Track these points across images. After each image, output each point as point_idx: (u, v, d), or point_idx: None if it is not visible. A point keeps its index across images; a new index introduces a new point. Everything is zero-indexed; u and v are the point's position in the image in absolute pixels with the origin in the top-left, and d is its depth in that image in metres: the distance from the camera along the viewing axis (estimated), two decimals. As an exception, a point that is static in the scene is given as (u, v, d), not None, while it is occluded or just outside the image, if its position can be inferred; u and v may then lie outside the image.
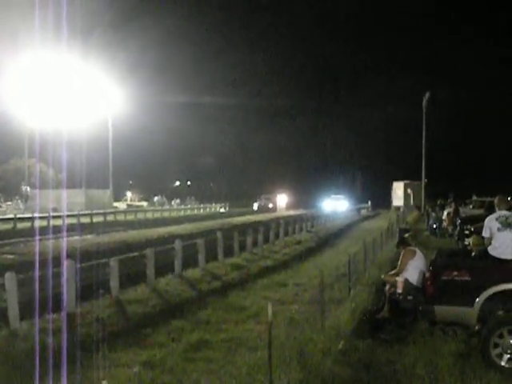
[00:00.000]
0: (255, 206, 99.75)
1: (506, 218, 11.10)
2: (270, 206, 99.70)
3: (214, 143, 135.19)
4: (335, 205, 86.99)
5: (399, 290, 13.33)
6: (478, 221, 12.72)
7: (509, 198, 13.37)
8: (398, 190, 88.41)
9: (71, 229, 38.69)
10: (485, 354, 10.03)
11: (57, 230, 35.40)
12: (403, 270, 13.55)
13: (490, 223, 11.21)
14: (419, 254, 13.87)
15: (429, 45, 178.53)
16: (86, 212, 59.01)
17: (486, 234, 11.32)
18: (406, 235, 15.96)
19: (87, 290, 15.16)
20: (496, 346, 9.99)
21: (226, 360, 10.55)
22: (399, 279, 13.41)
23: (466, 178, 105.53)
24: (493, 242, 11.08)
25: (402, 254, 14.20)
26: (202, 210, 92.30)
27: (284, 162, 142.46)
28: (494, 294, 10.37)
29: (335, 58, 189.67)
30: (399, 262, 14.05)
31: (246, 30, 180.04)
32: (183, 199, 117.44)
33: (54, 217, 48.22)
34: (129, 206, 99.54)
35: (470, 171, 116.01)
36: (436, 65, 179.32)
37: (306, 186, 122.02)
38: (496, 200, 11.79)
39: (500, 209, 11.47)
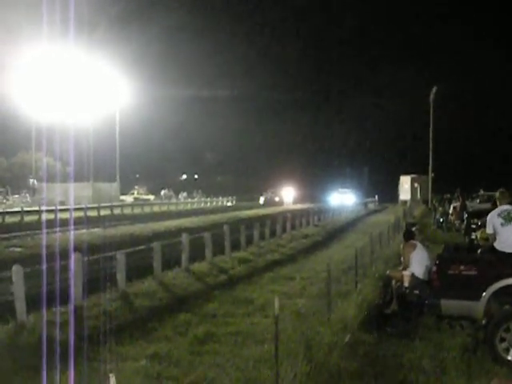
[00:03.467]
0: (261, 200, 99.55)
1: (508, 213, 11.08)
2: (277, 199, 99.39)
3: (222, 136, 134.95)
4: (342, 198, 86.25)
5: (406, 284, 13.36)
6: (485, 215, 12.66)
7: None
8: (405, 184, 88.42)
9: (78, 222, 38.73)
10: (491, 348, 10.03)
11: (64, 223, 35.46)
12: (408, 264, 13.58)
13: (493, 219, 11.19)
14: (420, 247, 13.94)
15: (437, 38, 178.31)
16: (93, 205, 59.03)
17: (489, 230, 11.31)
18: (413, 228, 15.95)
19: (94, 283, 15.19)
20: (502, 340, 10.00)
21: (233, 353, 10.56)
22: (406, 273, 13.44)
23: (473, 172, 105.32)
24: (498, 237, 11.07)
25: (402, 248, 14.28)
26: (208, 204, 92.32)
27: (291, 155, 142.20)
28: (501, 289, 10.37)
29: (342, 52, 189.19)
30: (402, 258, 14.12)
31: (251, 24, 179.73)
32: (190, 193, 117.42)
33: (61, 210, 48.30)
34: (136, 199, 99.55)
35: (478, 165, 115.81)
36: (444, 58, 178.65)
37: (314, 180, 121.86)
38: (497, 194, 11.77)
39: (501, 203, 11.45)
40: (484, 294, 10.41)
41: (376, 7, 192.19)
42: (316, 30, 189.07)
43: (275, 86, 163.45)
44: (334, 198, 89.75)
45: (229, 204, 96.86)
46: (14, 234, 33.27)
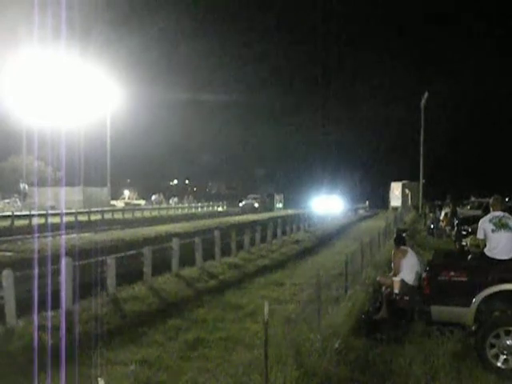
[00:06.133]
0: (240, 206, 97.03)
1: (500, 219, 11.12)
2: (256, 205, 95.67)
3: (213, 142, 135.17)
4: (327, 205, 79.91)
5: (396, 291, 13.38)
6: (476, 221, 12.72)
7: (506, 199, 13.41)
8: (396, 190, 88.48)
9: (69, 227, 38.70)
10: (481, 354, 10.05)
11: (54, 227, 35.45)
12: (398, 270, 13.61)
13: (484, 225, 11.24)
14: (411, 253, 13.96)
15: (427, 42, 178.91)
16: (84, 210, 58.97)
17: (480, 235, 11.36)
18: (404, 234, 15.99)
19: (85, 288, 15.16)
20: (492, 346, 10.01)
21: (223, 358, 10.56)
22: (396, 279, 13.46)
23: (465, 178, 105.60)
24: (488, 243, 11.11)
25: (393, 254, 14.30)
26: (199, 209, 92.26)
27: (282, 161, 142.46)
28: (491, 295, 10.40)
29: (333, 57, 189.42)
30: (392, 264, 14.13)
31: (246, 28, 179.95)
32: (181, 198, 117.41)
33: (52, 214, 48.27)
34: (126, 204, 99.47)
35: (469, 172, 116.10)
36: (436, 64, 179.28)
37: (304, 186, 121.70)
38: (491, 201, 11.81)
39: (494, 210, 11.49)
40: (474, 300, 10.43)
41: (373, 10, 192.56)
42: (311, 36, 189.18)
43: (268, 91, 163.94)
44: (317, 205, 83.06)
45: (220, 209, 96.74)
46: (4, 239, 33.20)
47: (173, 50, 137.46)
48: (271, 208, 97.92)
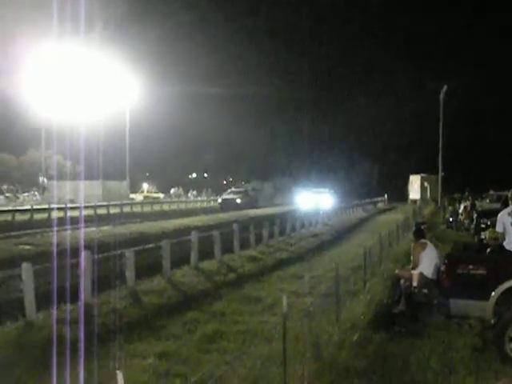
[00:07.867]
0: (218, 202, 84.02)
1: None
2: (238, 201, 79.84)
3: (231, 134, 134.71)
4: (317, 200, 68.82)
5: (415, 284, 13.35)
6: (495, 215, 12.66)
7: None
8: (415, 183, 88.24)
9: (88, 220, 38.80)
10: (500, 347, 10.02)
11: (74, 221, 35.56)
12: (417, 263, 13.57)
13: (503, 218, 11.20)
14: (430, 246, 13.90)
15: (447, 34, 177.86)
16: (103, 203, 59.10)
17: (499, 229, 11.31)
18: (423, 227, 15.94)
19: (104, 281, 15.22)
20: (511, 340, 9.98)
21: (241, 351, 10.55)
22: (415, 272, 13.43)
23: (484, 171, 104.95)
24: (507, 236, 11.07)
25: (412, 248, 14.26)
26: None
27: (301, 154, 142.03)
28: (510, 288, 10.36)
29: (349, 49, 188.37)
30: (412, 257, 14.10)
31: (256, 21, 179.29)
32: (200, 191, 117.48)
33: (71, 208, 48.45)
34: (145, 197, 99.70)
35: (488, 165, 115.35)
36: (455, 56, 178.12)
37: (323, 179, 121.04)
38: (510, 194, 11.76)
39: None
40: (493, 293, 10.41)
41: (378, 5, 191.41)
42: (324, 27, 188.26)
43: (285, 83, 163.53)
44: (304, 200, 72.18)
45: (238, 201, 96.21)
46: (23, 232, 33.40)
47: (191, 43, 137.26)
48: (255, 204, 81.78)
